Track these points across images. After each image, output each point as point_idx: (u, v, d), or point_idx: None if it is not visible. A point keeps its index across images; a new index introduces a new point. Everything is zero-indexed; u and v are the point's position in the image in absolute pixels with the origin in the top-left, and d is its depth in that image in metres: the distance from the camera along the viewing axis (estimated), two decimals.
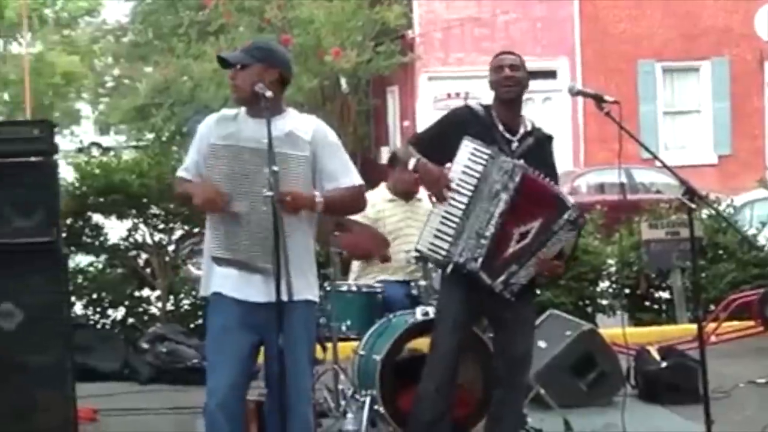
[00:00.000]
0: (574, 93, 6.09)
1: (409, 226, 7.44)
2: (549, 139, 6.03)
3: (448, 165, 5.78)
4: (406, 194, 7.57)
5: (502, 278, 5.70)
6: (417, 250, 5.87)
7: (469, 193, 5.68)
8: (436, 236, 5.71)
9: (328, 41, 22.74)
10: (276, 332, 4.93)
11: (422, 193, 7.84)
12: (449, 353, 5.82)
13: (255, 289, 5.09)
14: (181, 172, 5.40)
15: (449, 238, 5.70)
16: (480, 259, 5.69)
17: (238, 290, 5.16)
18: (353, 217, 6.45)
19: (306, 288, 5.17)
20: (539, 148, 5.91)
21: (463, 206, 5.69)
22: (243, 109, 5.25)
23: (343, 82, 24.68)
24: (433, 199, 5.79)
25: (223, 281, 5.21)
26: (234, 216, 5.05)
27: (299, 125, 5.21)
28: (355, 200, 5.35)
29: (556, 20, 24.81)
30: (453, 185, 5.67)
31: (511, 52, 5.98)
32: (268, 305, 4.99)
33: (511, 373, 5.94)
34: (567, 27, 24.99)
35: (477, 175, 5.67)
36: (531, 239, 5.72)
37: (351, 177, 5.27)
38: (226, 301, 5.19)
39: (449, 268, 5.77)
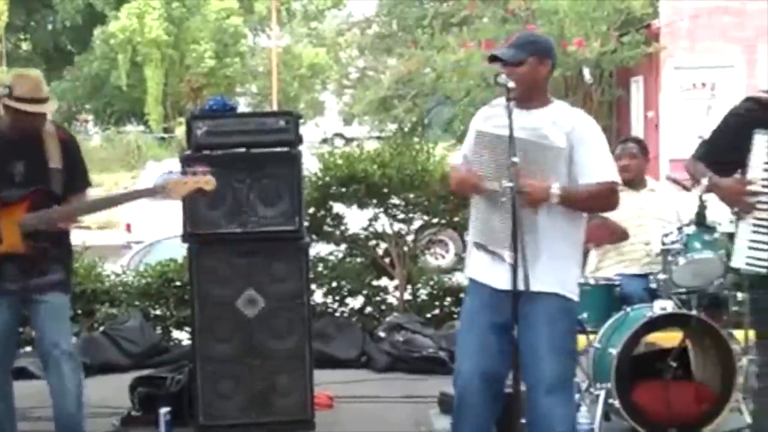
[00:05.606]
0: None
1: (641, 217, 7.32)
2: None
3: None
4: (632, 183, 7.45)
5: None
6: (734, 269, 5.43)
7: None
8: (752, 248, 5.22)
9: (572, 31, 22.57)
10: (511, 321, 5.00)
11: (654, 183, 7.71)
12: None
13: (500, 276, 5.11)
14: (453, 160, 5.53)
15: None
16: None
17: (486, 276, 5.25)
18: None
19: (553, 281, 5.15)
20: None
21: None
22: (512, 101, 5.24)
23: (586, 72, 24.44)
24: (738, 212, 5.31)
25: (475, 265, 5.33)
26: (488, 202, 5.16)
27: (561, 117, 5.20)
28: (603, 197, 5.26)
29: None
30: (757, 187, 5.19)
31: None
32: (509, 293, 5.01)
33: None
34: None
35: None
36: None
37: (604, 173, 5.18)
38: (476, 286, 5.32)
39: None
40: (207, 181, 5.77)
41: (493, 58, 5.33)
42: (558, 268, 5.18)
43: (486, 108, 5.41)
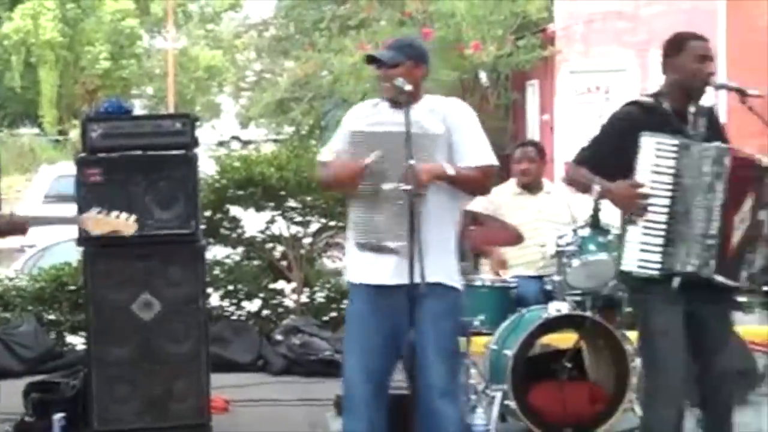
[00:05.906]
0: (717, 86, 5.58)
1: (538, 220, 7.39)
2: (712, 109, 5.51)
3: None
4: (529, 187, 7.54)
5: (743, 274, 5.27)
6: (625, 272, 5.33)
7: (669, 193, 5.21)
8: (643, 251, 5.20)
9: (469, 35, 22.68)
10: (407, 318, 5.00)
11: (550, 186, 7.79)
12: (685, 374, 5.30)
13: (386, 271, 5.14)
14: (321, 157, 5.53)
15: (660, 248, 5.19)
16: (712, 262, 5.20)
17: (370, 274, 5.24)
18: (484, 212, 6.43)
19: (440, 272, 5.16)
20: (712, 122, 5.45)
21: (666, 209, 5.20)
22: (384, 100, 5.32)
23: (482, 75, 24.58)
24: (630, 215, 5.27)
25: (357, 267, 5.31)
26: (371, 200, 5.15)
27: (436, 105, 5.28)
28: (482, 179, 5.30)
29: (701, 14, 24.30)
30: (646, 190, 5.19)
31: (707, 39, 5.45)
32: (398, 288, 5.03)
33: (722, 389, 5.42)
34: (712, 21, 24.46)
35: (670, 170, 5.20)
36: (751, 219, 5.26)
37: (482, 155, 5.25)
38: (358, 287, 5.30)
39: (676, 282, 5.23)
40: (127, 226, 5.57)
41: (371, 60, 5.38)
42: (444, 259, 5.22)
43: (358, 107, 5.49)
